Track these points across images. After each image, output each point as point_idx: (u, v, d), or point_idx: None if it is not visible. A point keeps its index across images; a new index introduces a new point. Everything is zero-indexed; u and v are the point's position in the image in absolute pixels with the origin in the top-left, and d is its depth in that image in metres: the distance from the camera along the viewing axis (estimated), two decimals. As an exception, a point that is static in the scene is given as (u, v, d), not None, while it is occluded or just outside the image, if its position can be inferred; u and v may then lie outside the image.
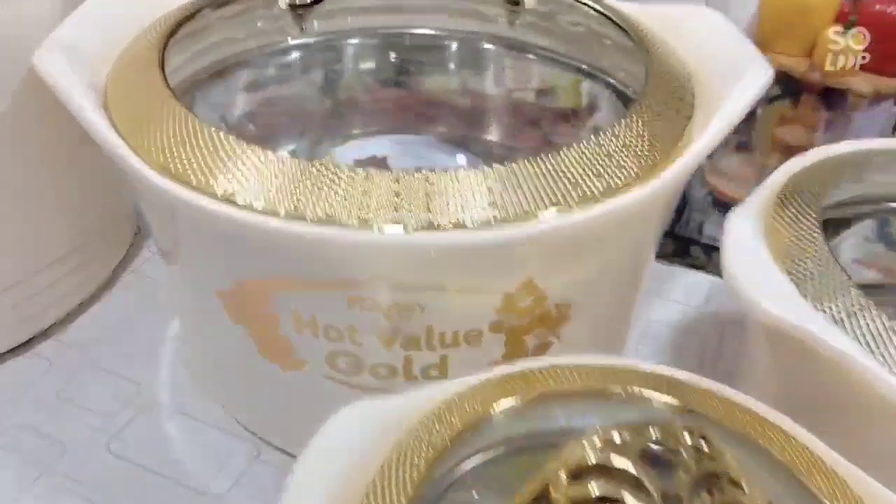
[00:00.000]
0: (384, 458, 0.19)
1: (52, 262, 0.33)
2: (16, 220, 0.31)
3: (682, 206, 0.46)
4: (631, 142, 0.24)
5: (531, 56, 0.37)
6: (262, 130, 0.39)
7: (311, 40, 0.37)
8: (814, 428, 0.20)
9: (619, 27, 0.31)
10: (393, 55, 0.39)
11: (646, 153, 0.24)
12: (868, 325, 0.21)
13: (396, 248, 0.22)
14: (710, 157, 0.26)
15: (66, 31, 0.27)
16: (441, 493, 0.20)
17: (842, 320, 0.21)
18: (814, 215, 0.25)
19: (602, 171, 0.23)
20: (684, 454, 0.17)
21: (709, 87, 0.28)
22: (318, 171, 0.22)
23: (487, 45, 0.38)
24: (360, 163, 0.40)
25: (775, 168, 0.29)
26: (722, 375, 0.22)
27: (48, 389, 0.32)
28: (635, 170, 0.24)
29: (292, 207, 0.22)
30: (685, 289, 0.39)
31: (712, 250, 0.42)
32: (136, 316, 0.36)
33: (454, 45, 0.38)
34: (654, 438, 0.17)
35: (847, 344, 0.21)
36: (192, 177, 0.23)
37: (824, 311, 0.22)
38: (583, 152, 0.23)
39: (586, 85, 0.36)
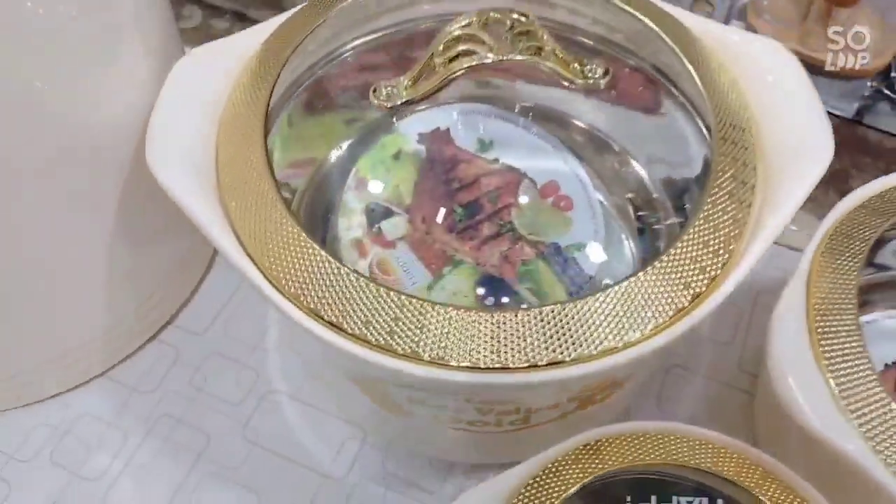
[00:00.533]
0: None
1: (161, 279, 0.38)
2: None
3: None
4: (675, 270, 0.27)
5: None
6: (330, 99, 0.41)
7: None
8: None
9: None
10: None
11: (689, 279, 0.27)
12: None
13: (480, 385, 0.26)
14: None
15: (165, 122, 0.29)
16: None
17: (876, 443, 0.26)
18: (852, 304, 0.29)
19: (642, 312, 0.27)
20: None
21: (769, 155, 0.30)
22: (430, 311, 0.26)
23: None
24: (424, 136, 0.42)
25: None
26: (751, 351, 0.27)
27: (181, 379, 0.39)
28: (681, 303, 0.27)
29: (409, 350, 0.26)
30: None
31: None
32: (238, 300, 0.41)
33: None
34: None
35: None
36: (323, 312, 0.27)
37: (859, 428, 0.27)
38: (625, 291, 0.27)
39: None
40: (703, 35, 0.34)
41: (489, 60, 0.29)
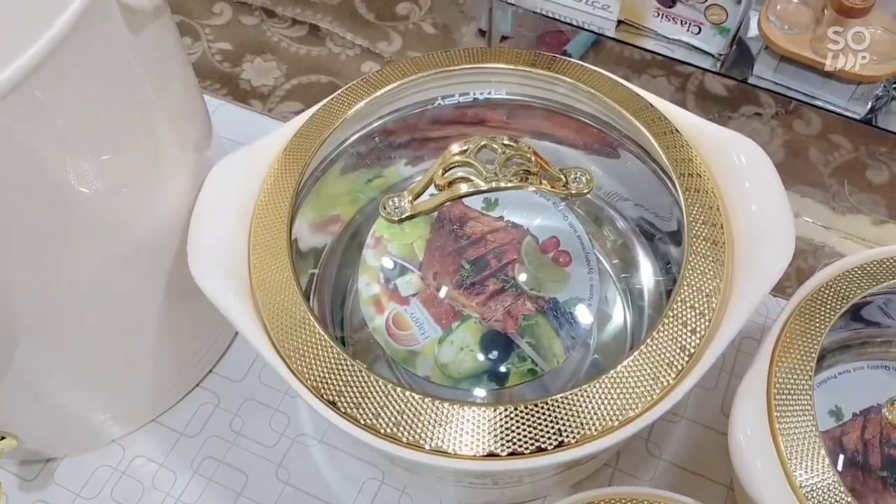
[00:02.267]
0: None
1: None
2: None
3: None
4: (648, 365, 0.32)
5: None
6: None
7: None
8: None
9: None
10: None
11: (660, 374, 0.31)
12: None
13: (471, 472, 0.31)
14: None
15: (203, 229, 0.34)
16: None
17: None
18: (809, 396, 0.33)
19: (615, 405, 0.31)
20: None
21: (739, 247, 0.34)
22: (429, 406, 0.31)
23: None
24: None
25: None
26: (732, 395, 0.32)
27: (222, 423, 0.44)
28: (651, 396, 0.31)
29: (413, 439, 0.31)
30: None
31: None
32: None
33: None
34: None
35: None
36: (340, 405, 0.31)
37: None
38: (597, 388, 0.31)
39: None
40: (685, 128, 0.38)
41: (483, 188, 0.33)
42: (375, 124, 0.42)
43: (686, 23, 0.58)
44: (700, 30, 0.58)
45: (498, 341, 0.39)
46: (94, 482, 0.42)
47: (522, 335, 0.39)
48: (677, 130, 0.38)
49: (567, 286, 0.41)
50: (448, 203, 0.39)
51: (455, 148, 0.33)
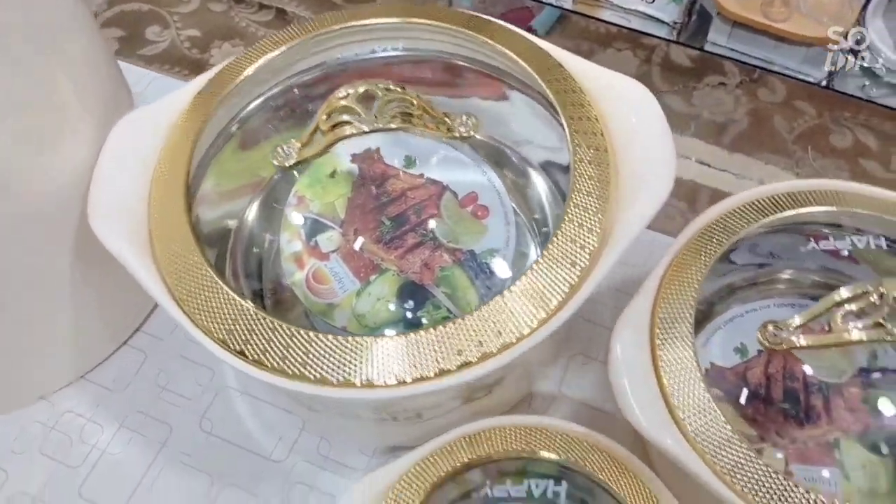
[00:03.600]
0: None
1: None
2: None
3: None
4: (542, 282, 0.33)
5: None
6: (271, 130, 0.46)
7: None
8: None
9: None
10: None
11: (554, 290, 0.33)
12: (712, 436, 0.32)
13: (379, 401, 0.32)
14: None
15: (104, 183, 0.35)
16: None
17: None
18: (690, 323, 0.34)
19: (503, 327, 0.32)
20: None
21: (625, 174, 0.35)
22: (331, 342, 0.32)
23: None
24: (357, 156, 0.47)
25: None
26: None
27: (148, 378, 0.45)
28: (548, 309, 0.33)
29: (321, 376, 0.32)
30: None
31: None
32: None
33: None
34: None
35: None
36: (247, 352, 0.33)
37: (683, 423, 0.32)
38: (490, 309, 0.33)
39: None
40: (579, 73, 0.39)
41: (366, 130, 0.34)
42: (287, 82, 0.43)
43: None
44: None
45: (414, 292, 0.41)
46: (23, 437, 0.44)
47: (438, 285, 0.41)
48: (570, 76, 0.39)
49: (484, 238, 0.42)
50: (367, 159, 0.41)
51: (339, 93, 0.34)
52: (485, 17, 0.41)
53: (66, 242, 0.38)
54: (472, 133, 0.37)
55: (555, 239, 0.34)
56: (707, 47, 0.60)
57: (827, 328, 0.34)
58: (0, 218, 0.34)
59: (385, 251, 0.42)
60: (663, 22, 0.60)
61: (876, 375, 0.39)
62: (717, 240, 0.38)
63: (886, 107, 0.57)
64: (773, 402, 0.39)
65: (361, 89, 0.34)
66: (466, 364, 0.32)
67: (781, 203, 0.39)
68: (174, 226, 0.36)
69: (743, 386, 0.40)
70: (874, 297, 0.33)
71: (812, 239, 0.39)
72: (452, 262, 0.41)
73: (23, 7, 0.31)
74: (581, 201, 0.35)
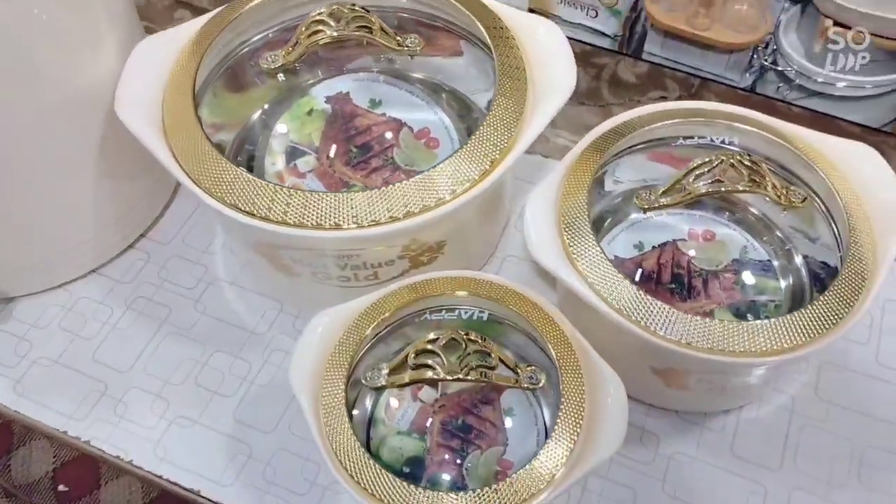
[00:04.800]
0: (342, 332, 0.41)
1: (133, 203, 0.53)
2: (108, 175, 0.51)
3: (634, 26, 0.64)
4: (470, 158, 0.43)
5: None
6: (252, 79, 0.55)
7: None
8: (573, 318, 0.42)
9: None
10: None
11: (479, 164, 0.43)
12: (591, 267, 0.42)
13: (336, 240, 0.42)
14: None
15: (129, 85, 0.45)
16: (368, 350, 0.42)
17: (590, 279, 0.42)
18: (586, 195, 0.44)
19: (447, 185, 0.42)
20: (463, 344, 0.39)
21: (536, 90, 0.46)
22: (298, 195, 0.42)
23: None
24: (331, 98, 0.57)
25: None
26: None
27: (151, 273, 0.54)
28: (473, 178, 0.43)
29: (279, 218, 0.41)
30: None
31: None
32: (194, 220, 0.56)
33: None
34: (451, 338, 0.39)
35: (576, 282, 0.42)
36: (240, 204, 0.42)
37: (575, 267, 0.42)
38: (434, 173, 0.42)
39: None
40: (507, 17, 0.49)
41: (335, 34, 0.44)
42: (281, 20, 0.53)
43: (584, 7, 0.67)
44: (597, 13, 0.67)
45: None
46: (45, 316, 0.52)
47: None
48: (501, 21, 0.50)
49: (434, 162, 0.52)
50: (339, 100, 0.50)
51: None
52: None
53: (91, 136, 0.47)
54: (417, 49, 0.47)
55: (482, 127, 0.44)
56: (644, 56, 0.68)
57: (684, 190, 0.44)
58: (40, 104, 0.44)
59: (353, 172, 0.52)
60: (606, 34, 0.68)
61: (744, 264, 0.49)
62: (613, 139, 0.48)
63: (801, 107, 0.65)
64: (663, 282, 0.49)
65: (334, 8, 0.44)
66: (410, 214, 0.42)
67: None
68: (183, 120, 0.45)
69: (639, 271, 0.49)
70: (716, 163, 0.43)
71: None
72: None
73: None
74: (503, 102, 0.45)
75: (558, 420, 0.38)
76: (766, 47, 0.67)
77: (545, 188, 0.45)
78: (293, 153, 0.52)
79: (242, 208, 0.42)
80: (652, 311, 0.41)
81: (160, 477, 0.46)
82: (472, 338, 0.39)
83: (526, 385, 0.40)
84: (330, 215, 0.42)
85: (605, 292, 0.41)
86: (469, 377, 0.38)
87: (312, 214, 0.42)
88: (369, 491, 0.36)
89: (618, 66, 0.69)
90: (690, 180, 0.43)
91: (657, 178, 0.49)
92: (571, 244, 0.43)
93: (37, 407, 0.48)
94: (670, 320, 0.40)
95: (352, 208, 0.42)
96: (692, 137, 0.47)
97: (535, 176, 0.49)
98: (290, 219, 0.42)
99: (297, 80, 0.55)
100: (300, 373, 0.40)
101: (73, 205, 0.50)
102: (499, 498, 0.35)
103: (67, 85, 0.44)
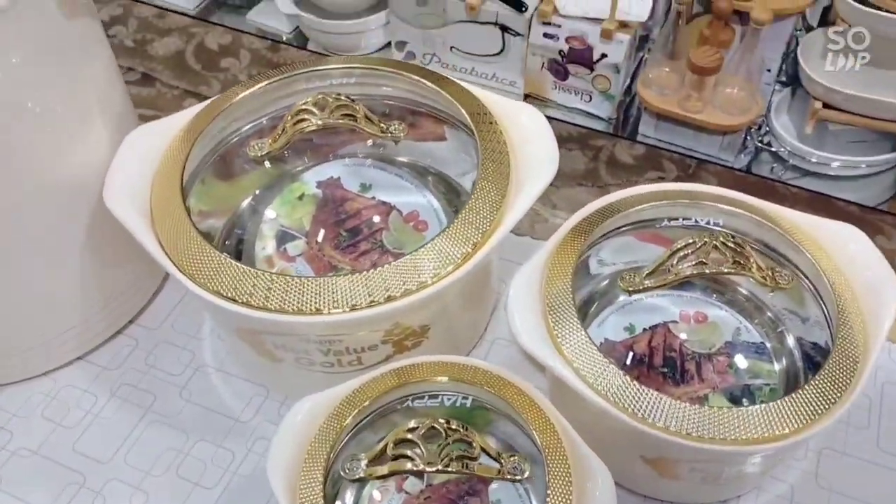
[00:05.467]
0: (322, 420, 0.40)
1: (123, 289, 0.53)
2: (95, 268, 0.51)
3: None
4: (453, 240, 0.43)
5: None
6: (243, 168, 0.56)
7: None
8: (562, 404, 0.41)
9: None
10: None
11: (461, 246, 0.43)
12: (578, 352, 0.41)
13: (319, 325, 0.41)
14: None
15: (118, 174, 0.46)
16: (349, 439, 0.41)
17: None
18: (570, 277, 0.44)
19: (430, 268, 0.42)
20: (443, 433, 0.38)
21: (519, 173, 0.46)
22: (280, 280, 0.42)
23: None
24: (321, 183, 0.57)
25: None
26: None
27: (139, 359, 0.54)
28: (456, 260, 0.42)
29: (279, 307, 0.41)
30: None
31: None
32: (182, 308, 0.56)
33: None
34: (431, 427, 0.38)
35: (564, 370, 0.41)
36: (223, 291, 0.42)
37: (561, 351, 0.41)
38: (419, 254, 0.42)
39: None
40: (490, 104, 0.50)
41: (320, 123, 0.45)
42: (270, 110, 0.54)
43: (579, 92, 0.69)
44: (591, 98, 0.69)
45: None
46: (28, 405, 0.51)
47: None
48: (484, 107, 0.50)
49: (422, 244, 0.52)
50: (330, 185, 0.51)
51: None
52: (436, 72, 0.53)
53: (79, 223, 0.48)
54: (401, 135, 0.47)
55: (465, 209, 0.44)
56: (639, 138, 0.69)
57: (669, 272, 0.44)
58: (26, 190, 0.44)
59: (342, 255, 0.52)
60: (600, 118, 0.70)
61: (737, 347, 0.48)
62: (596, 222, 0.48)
63: (798, 187, 0.65)
64: (655, 366, 0.48)
65: (318, 98, 0.45)
66: (391, 298, 0.41)
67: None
68: (170, 208, 0.46)
69: (630, 354, 0.48)
70: (699, 245, 0.43)
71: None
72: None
73: (58, 38, 0.43)
74: (486, 185, 0.46)
75: (544, 513, 0.36)
76: (759, 129, 0.68)
77: (529, 270, 0.45)
78: (283, 237, 0.52)
79: (225, 294, 0.42)
80: (640, 398, 0.39)
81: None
82: (454, 427, 0.38)
83: (509, 476, 0.38)
84: (311, 300, 0.41)
85: (592, 378, 0.40)
86: (449, 468, 0.37)
87: (293, 299, 0.41)
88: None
89: (615, 148, 0.69)
90: (674, 262, 0.43)
91: (644, 259, 0.49)
92: (556, 329, 0.42)
93: (14, 501, 0.47)
94: (659, 407, 0.39)
95: (333, 293, 0.41)
96: (677, 219, 0.47)
97: (525, 257, 0.48)
98: (271, 304, 0.41)
99: (287, 167, 0.56)
100: (278, 468, 0.39)
101: (59, 292, 0.50)
102: None
103: (56, 172, 0.45)
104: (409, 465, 0.37)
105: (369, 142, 0.56)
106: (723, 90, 0.66)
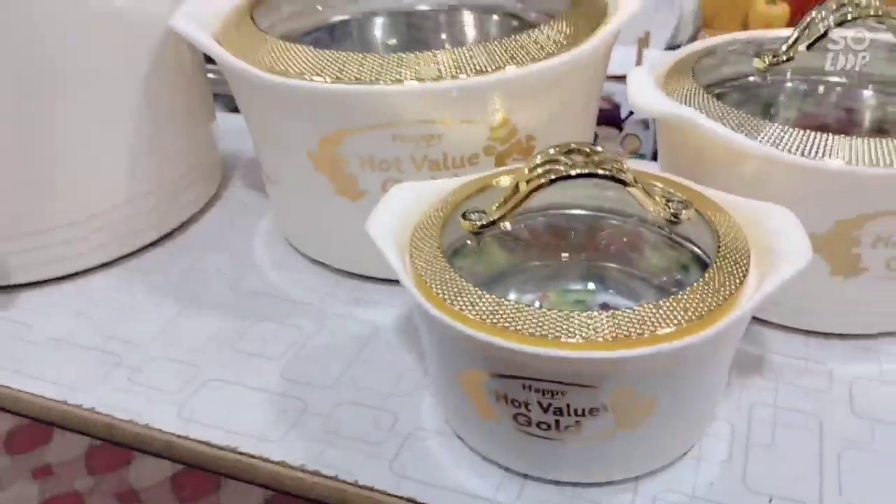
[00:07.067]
0: (425, 210, 0.33)
1: (175, 178, 0.48)
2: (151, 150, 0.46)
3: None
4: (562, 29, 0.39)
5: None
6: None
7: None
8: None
9: None
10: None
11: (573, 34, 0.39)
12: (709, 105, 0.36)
13: (418, 94, 0.36)
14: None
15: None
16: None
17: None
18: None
19: (543, 47, 0.37)
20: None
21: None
22: (363, 57, 0.37)
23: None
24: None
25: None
26: None
27: (185, 262, 0.47)
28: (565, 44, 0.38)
29: (353, 78, 0.36)
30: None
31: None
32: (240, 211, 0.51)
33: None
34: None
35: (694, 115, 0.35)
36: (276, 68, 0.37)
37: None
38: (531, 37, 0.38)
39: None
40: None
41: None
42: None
43: None
44: None
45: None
46: (59, 300, 0.44)
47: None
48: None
49: None
50: None
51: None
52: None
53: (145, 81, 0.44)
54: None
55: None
56: None
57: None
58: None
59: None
60: None
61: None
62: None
63: None
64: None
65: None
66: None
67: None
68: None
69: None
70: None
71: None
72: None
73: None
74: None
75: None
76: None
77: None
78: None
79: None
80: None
81: (186, 438, 0.35)
82: (596, 149, 0.32)
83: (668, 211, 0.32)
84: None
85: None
86: (602, 170, 0.30)
87: (389, 74, 0.36)
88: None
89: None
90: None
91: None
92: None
93: (40, 384, 0.38)
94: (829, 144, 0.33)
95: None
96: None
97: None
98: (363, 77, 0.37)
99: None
100: (381, 224, 0.32)
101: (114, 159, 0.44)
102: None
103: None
104: (559, 169, 0.31)
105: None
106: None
